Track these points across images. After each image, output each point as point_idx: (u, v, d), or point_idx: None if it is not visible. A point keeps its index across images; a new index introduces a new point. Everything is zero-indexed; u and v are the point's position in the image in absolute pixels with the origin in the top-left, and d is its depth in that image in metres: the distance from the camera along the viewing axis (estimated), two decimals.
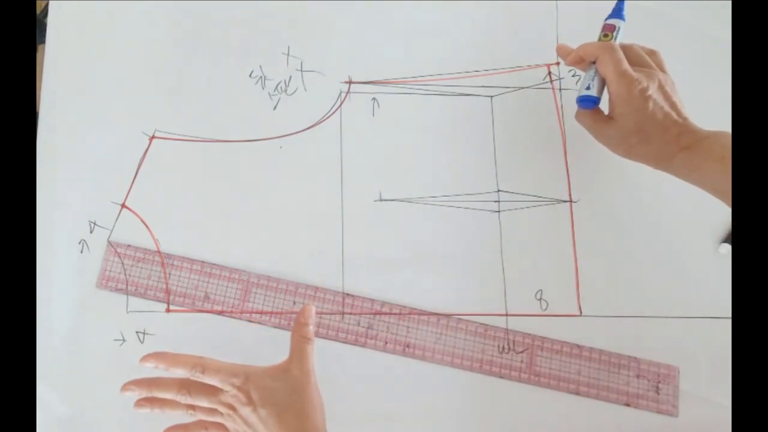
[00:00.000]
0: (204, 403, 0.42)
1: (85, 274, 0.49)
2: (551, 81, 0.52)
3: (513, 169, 0.51)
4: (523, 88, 0.52)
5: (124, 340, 0.48)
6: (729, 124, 0.50)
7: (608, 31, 0.46)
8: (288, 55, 0.52)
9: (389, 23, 0.53)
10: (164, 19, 0.53)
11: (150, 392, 0.43)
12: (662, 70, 0.45)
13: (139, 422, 0.47)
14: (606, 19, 0.46)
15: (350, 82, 0.52)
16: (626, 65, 0.43)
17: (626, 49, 0.44)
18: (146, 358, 0.43)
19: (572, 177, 0.51)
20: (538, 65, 0.52)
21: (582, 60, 0.46)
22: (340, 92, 0.52)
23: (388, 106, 0.52)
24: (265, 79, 0.52)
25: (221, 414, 0.42)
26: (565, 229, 0.50)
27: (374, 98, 0.52)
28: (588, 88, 0.45)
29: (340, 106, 0.52)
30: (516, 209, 0.50)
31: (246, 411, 0.40)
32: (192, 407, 0.43)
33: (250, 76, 0.52)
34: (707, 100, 0.53)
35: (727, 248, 0.49)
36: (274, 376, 0.42)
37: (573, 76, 0.52)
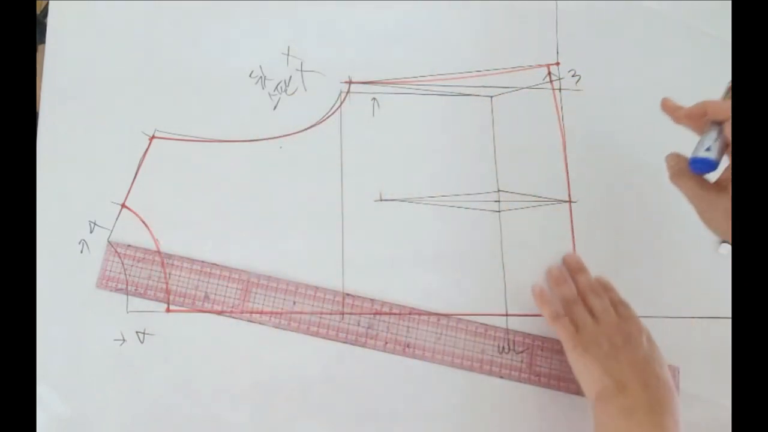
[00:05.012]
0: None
1: (85, 274, 0.49)
2: (551, 81, 0.52)
3: (513, 169, 0.51)
4: (523, 88, 0.52)
5: (124, 340, 0.48)
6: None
7: None
8: (288, 55, 0.52)
9: (389, 23, 0.53)
10: (164, 18, 0.53)
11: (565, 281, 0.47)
12: None
13: (139, 422, 0.47)
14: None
15: (350, 82, 0.52)
16: None
17: None
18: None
19: (572, 177, 0.51)
20: (538, 65, 0.52)
21: (703, 116, 0.38)
22: (340, 92, 0.52)
23: (388, 106, 0.52)
24: (265, 79, 0.52)
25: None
26: (565, 229, 0.50)
27: (374, 98, 0.52)
28: (708, 149, 0.38)
29: (340, 106, 0.52)
30: (516, 209, 0.50)
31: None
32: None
33: (250, 76, 0.52)
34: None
35: (727, 248, 0.49)
36: None
37: (573, 75, 0.52)
